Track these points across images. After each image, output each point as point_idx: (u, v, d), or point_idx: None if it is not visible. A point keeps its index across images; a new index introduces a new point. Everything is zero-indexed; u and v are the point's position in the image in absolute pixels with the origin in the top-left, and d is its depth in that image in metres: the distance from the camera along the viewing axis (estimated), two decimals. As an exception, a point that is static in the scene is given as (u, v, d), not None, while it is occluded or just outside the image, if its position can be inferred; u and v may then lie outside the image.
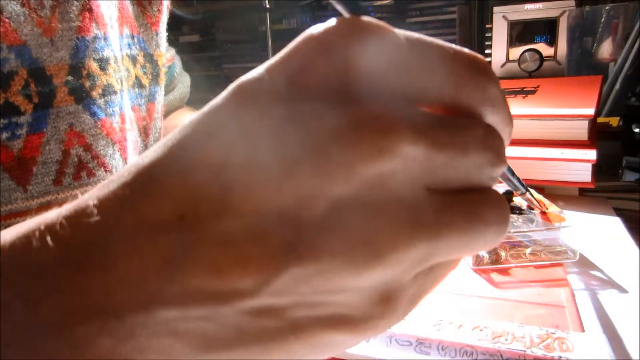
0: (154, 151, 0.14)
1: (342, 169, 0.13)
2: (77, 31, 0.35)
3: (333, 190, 0.13)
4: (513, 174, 0.23)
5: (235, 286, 0.13)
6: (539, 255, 0.48)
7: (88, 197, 0.14)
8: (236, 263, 0.12)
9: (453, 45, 0.15)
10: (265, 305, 0.13)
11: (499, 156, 0.15)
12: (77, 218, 0.13)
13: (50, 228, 0.14)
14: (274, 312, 0.13)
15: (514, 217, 0.50)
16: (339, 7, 0.16)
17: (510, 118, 0.17)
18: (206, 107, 0.14)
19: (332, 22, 0.14)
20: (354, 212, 0.13)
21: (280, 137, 0.13)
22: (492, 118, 0.16)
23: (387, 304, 0.14)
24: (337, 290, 0.13)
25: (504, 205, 0.15)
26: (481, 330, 0.38)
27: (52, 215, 0.14)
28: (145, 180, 0.13)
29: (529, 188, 0.41)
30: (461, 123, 0.15)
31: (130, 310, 0.13)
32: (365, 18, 0.14)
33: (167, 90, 0.60)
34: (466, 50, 0.15)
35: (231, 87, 0.14)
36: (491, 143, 0.15)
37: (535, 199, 0.47)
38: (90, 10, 0.36)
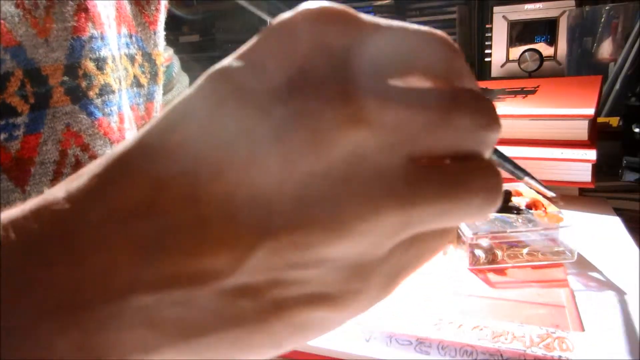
0: (125, 142, 0.14)
1: (309, 145, 0.13)
2: (72, 31, 0.35)
3: (302, 166, 0.13)
4: (506, 159, 0.22)
5: (210, 266, 0.13)
6: (536, 256, 0.48)
7: (57, 189, 0.14)
8: (209, 243, 0.12)
9: (416, 26, 0.15)
10: (242, 285, 0.13)
11: (489, 118, 0.15)
12: (45, 211, 0.13)
13: (15, 223, 0.13)
14: (252, 292, 0.13)
15: (512, 217, 0.50)
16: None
17: (479, 89, 0.17)
18: (177, 99, 0.14)
19: (298, 9, 0.14)
20: (326, 185, 0.13)
21: (246, 120, 0.13)
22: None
23: (360, 279, 0.14)
24: (310, 263, 0.13)
25: (494, 174, 0.15)
26: (481, 329, 0.38)
27: (17, 210, 0.14)
28: (114, 170, 0.13)
29: (527, 171, 0.40)
30: (445, 90, 0.15)
31: (101, 301, 0.13)
32: (329, 4, 0.14)
33: (166, 90, 0.60)
34: (426, 28, 0.16)
35: (201, 77, 0.14)
36: (477, 105, 0.15)
37: (538, 182, 0.46)
38: (86, 10, 0.36)
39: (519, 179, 0.30)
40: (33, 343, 0.13)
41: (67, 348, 0.13)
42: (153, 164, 0.13)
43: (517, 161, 0.67)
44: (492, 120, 0.15)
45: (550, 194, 0.49)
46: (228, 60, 0.14)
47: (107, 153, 0.14)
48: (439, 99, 0.14)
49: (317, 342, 0.38)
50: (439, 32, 0.16)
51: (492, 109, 0.15)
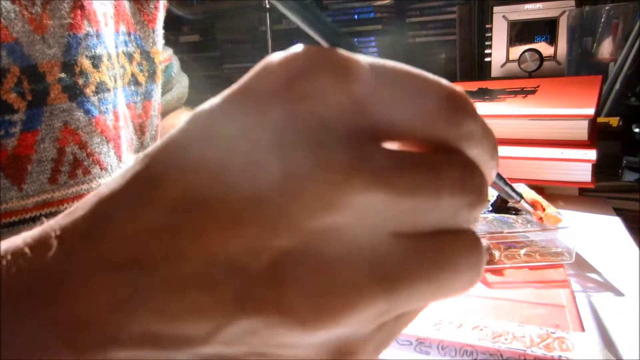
0: (110, 183, 0.14)
1: (284, 222, 0.12)
2: (68, 28, 0.35)
3: (278, 242, 0.12)
4: (506, 183, 0.22)
5: (186, 333, 0.12)
6: (533, 257, 0.48)
7: (54, 224, 0.14)
8: (187, 310, 0.12)
9: (427, 75, 0.14)
10: (218, 354, 0.13)
11: (478, 197, 0.14)
12: (40, 248, 0.13)
13: (15, 256, 0.14)
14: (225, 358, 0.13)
15: (511, 217, 0.50)
16: (315, 36, 0.15)
17: (494, 150, 0.15)
18: (162, 141, 0.14)
19: (291, 51, 0.13)
20: (303, 265, 0.12)
21: (225, 183, 0.12)
22: (473, 151, 0.15)
23: (344, 358, 0.14)
24: (287, 345, 0.13)
25: (478, 251, 0.14)
26: (481, 330, 0.38)
27: (19, 241, 0.14)
28: (100, 216, 0.13)
29: (522, 194, 0.41)
30: (435, 162, 0.13)
31: (87, 348, 0.13)
32: (326, 49, 0.13)
33: (165, 91, 0.60)
34: (441, 81, 0.14)
35: (185, 121, 0.14)
36: (469, 184, 0.14)
37: (529, 204, 0.47)
38: (82, 7, 0.36)
39: (516, 202, 0.30)
40: None
41: None
42: (136, 218, 0.13)
43: (517, 161, 0.67)
44: (482, 198, 0.14)
45: (546, 203, 0.49)
46: (209, 104, 0.13)
47: (98, 190, 0.14)
48: (430, 177, 0.13)
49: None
50: (453, 88, 0.14)
51: (482, 185, 0.15)
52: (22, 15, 0.32)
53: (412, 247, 0.13)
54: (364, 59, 0.14)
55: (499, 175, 0.21)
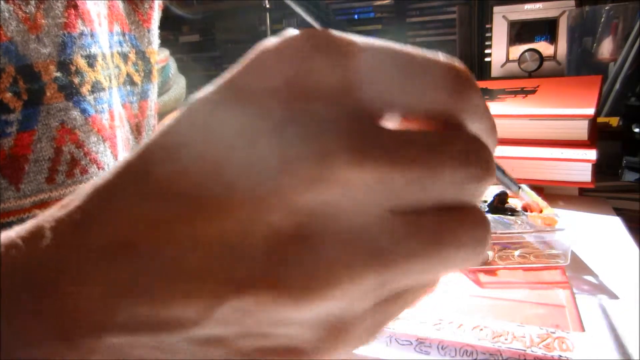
0: (106, 174, 0.14)
1: (275, 200, 0.12)
2: (63, 27, 0.35)
3: (269, 221, 0.12)
4: (504, 173, 0.22)
5: (178, 316, 0.13)
6: (528, 258, 0.48)
7: (48, 215, 0.14)
8: (178, 294, 0.12)
9: (424, 53, 0.14)
10: (210, 335, 0.13)
11: (484, 170, 0.14)
12: (33, 240, 0.13)
13: (8, 248, 0.14)
14: (220, 342, 0.13)
15: (509, 218, 0.50)
16: (307, 18, 0.15)
17: (494, 129, 0.15)
18: (159, 130, 0.14)
19: (285, 35, 0.13)
20: (294, 244, 0.12)
21: (216, 168, 0.13)
22: (475, 126, 0.14)
23: (337, 336, 0.14)
24: (280, 322, 0.13)
25: (483, 225, 0.14)
26: (481, 329, 0.38)
27: (13, 234, 0.14)
28: (95, 205, 0.13)
29: (521, 186, 0.40)
30: (436, 136, 0.13)
31: (80, 335, 0.13)
32: (321, 31, 0.13)
33: (162, 92, 0.60)
34: (439, 57, 0.14)
35: (180, 111, 0.14)
36: (474, 157, 0.13)
37: (528, 195, 0.46)
38: (75, 6, 0.36)
39: (514, 192, 0.30)
40: None
41: None
42: (130, 205, 0.13)
43: (517, 161, 0.67)
44: (487, 171, 0.14)
45: (544, 204, 0.48)
46: (204, 95, 0.14)
47: (94, 180, 0.14)
48: (427, 151, 0.13)
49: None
50: (449, 60, 0.14)
51: (488, 158, 0.14)
52: (16, 14, 0.32)
53: (411, 222, 0.13)
54: (360, 38, 0.13)
55: (497, 165, 0.21)
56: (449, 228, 0.13)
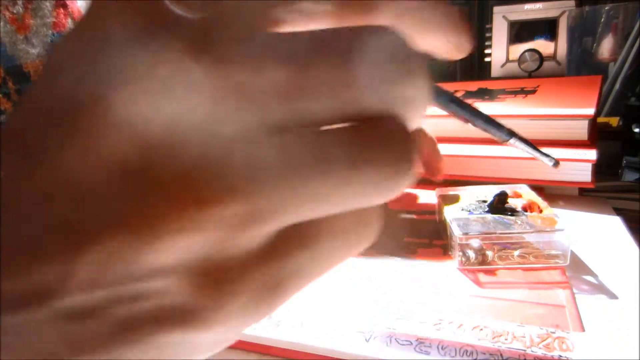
0: None
1: (110, 119, 0.11)
2: (51, 27, 0.35)
3: (107, 152, 0.11)
4: (488, 120, 0.18)
5: (37, 283, 0.11)
6: (527, 258, 0.48)
7: None
8: (31, 257, 0.11)
9: None
10: (77, 305, 0.11)
11: (402, 62, 0.11)
12: None
13: None
14: (92, 312, 0.12)
15: (511, 218, 0.50)
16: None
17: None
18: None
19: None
20: (138, 181, 0.11)
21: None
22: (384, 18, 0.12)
23: (218, 287, 0.12)
24: (143, 274, 0.11)
25: (402, 138, 0.11)
26: (481, 329, 0.38)
27: None
28: None
29: (514, 132, 0.34)
30: (318, 32, 0.11)
31: None
32: None
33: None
34: None
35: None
36: (362, 39, 0.10)
37: (526, 143, 0.45)
38: (64, 5, 0.36)
39: (503, 141, 0.25)
40: None
41: None
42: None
43: (517, 161, 0.67)
44: (404, 64, 0.11)
45: (548, 161, 0.45)
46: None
47: None
48: (298, 46, 0.10)
49: (317, 342, 0.38)
50: None
51: (403, 45, 0.11)
52: (4, 15, 0.32)
53: (291, 141, 0.10)
54: None
55: (480, 113, 0.17)
56: (351, 144, 0.11)
